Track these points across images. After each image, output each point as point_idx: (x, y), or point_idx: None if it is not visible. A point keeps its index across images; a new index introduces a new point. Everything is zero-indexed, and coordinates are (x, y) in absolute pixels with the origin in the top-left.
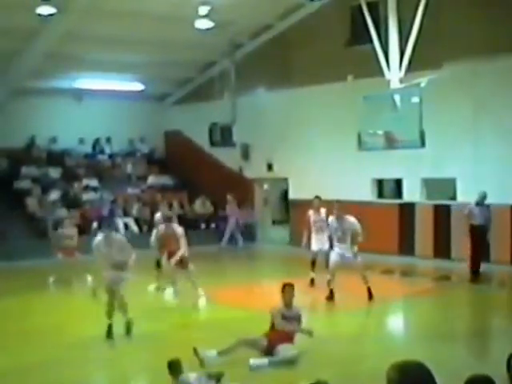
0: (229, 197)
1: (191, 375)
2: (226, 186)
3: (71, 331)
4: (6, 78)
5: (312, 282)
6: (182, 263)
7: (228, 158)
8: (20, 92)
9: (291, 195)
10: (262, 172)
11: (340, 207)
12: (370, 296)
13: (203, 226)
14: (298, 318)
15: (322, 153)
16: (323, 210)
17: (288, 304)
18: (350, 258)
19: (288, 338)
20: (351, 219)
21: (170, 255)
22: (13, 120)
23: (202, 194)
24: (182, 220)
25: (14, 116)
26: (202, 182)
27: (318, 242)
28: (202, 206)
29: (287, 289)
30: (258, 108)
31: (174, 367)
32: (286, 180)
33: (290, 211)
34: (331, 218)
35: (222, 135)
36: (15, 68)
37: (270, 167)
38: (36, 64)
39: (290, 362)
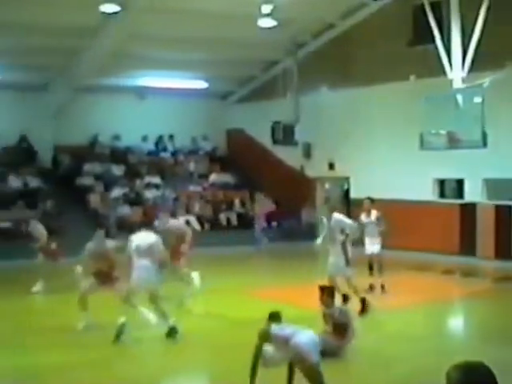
0: (258, 195)
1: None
2: (288, 184)
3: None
4: (70, 76)
5: (371, 287)
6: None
7: (290, 156)
8: (83, 90)
9: (352, 194)
10: (324, 171)
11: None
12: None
13: (264, 224)
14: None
15: (384, 152)
16: (374, 212)
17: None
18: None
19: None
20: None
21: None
22: (76, 117)
23: (263, 192)
24: (243, 218)
25: (78, 113)
26: (263, 181)
27: (369, 246)
28: (263, 204)
29: (326, 291)
30: (320, 107)
31: (274, 318)
32: (347, 179)
33: (351, 210)
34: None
35: (284, 134)
36: (79, 66)
37: (331, 166)
38: (99, 62)
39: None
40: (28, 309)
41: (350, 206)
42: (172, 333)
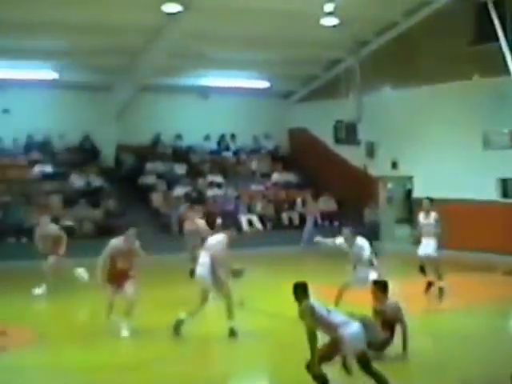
0: (307, 195)
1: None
2: (350, 183)
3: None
4: (133, 76)
5: (429, 285)
6: None
7: (352, 155)
8: (146, 89)
9: (415, 194)
10: (387, 170)
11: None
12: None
13: (327, 223)
14: None
15: (447, 151)
16: (433, 214)
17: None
18: None
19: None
20: None
21: None
22: (139, 117)
23: (325, 191)
24: (305, 217)
25: (141, 113)
26: (326, 180)
27: (423, 247)
28: (326, 203)
29: (378, 286)
30: (383, 106)
31: (300, 290)
32: (410, 178)
33: (414, 210)
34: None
35: (347, 133)
36: (142, 65)
37: (394, 165)
38: (162, 62)
39: None
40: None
41: (412, 205)
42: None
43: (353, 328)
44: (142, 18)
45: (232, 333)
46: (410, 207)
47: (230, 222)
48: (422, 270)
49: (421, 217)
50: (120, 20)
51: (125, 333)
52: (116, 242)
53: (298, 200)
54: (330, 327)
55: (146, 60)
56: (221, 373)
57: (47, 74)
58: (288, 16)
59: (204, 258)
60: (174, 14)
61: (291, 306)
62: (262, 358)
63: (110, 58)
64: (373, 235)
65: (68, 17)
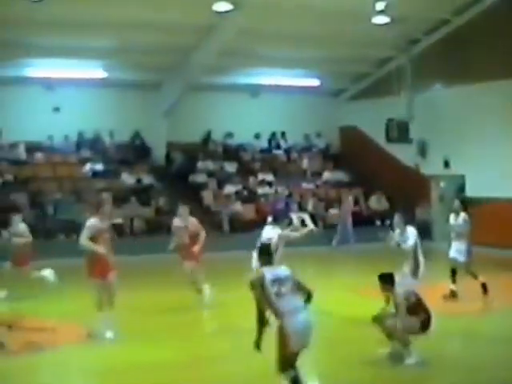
0: (343, 196)
1: None
2: (402, 182)
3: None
4: (183, 74)
5: (452, 294)
6: None
7: (404, 154)
8: (196, 87)
9: (468, 192)
10: (439, 169)
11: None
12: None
13: (378, 222)
14: None
15: (500, 150)
16: (463, 214)
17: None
18: None
19: None
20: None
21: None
22: (189, 115)
23: (377, 190)
24: (357, 216)
25: (191, 111)
26: (377, 179)
27: (453, 250)
28: (377, 202)
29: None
30: (435, 104)
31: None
32: (462, 177)
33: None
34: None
35: (399, 131)
36: (192, 64)
37: (446, 164)
38: (212, 60)
39: None
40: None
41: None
42: None
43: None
44: (192, 16)
45: None
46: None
47: (282, 220)
48: (454, 273)
49: (451, 218)
50: (170, 19)
51: (109, 334)
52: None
53: (350, 199)
54: None
55: (197, 58)
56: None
57: (97, 72)
58: (339, 14)
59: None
60: (224, 12)
61: (339, 305)
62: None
63: (160, 56)
64: (425, 235)
65: (118, 15)
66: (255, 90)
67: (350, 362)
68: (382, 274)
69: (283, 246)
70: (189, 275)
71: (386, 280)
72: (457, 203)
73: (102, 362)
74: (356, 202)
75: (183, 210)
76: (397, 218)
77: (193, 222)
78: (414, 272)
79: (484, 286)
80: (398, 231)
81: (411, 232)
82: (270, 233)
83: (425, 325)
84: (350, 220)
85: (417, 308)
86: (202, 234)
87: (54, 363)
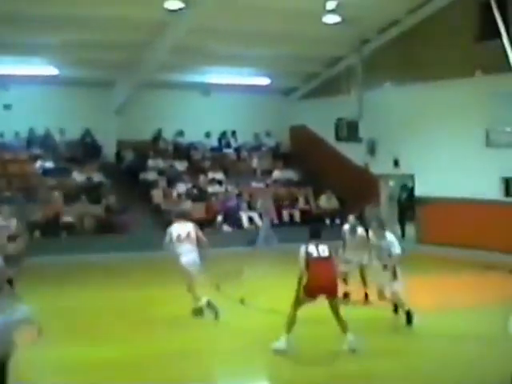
0: (265, 194)
1: None
2: (352, 181)
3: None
4: (135, 71)
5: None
6: None
7: (354, 153)
8: (148, 85)
9: (417, 192)
10: (388, 168)
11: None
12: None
13: (328, 221)
14: None
15: (449, 149)
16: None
17: None
18: None
19: None
20: None
21: None
22: (141, 113)
23: (327, 189)
24: (306, 215)
25: (142, 109)
26: (327, 177)
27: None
28: (327, 201)
29: None
30: (384, 103)
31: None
32: (412, 176)
33: (416, 209)
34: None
35: (349, 130)
36: (143, 61)
37: (396, 163)
38: (164, 57)
39: None
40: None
41: (414, 204)
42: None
43: None
44: (144, 13)
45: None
46: (412, 206)
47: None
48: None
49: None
50: (122, 15)
51: None
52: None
53: (301, 198)
54: None
55: (148, 56)
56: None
57: (48, 69)
58: (290, 13)
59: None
60: (176, 10)
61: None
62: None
63: (111, 53)
64: None
65: (70, 11)
66: (206, 89)
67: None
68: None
69: None
70: None
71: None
72: (351, 218)
73: (53, 360)
74: (306, 201)
75: (4, 209)
76: (373, 225)
77: (14, 223)
78: (395, 275)
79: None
80: (374, 239)
81: (392, 237)
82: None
83: None
84: (264, 221)
85: None
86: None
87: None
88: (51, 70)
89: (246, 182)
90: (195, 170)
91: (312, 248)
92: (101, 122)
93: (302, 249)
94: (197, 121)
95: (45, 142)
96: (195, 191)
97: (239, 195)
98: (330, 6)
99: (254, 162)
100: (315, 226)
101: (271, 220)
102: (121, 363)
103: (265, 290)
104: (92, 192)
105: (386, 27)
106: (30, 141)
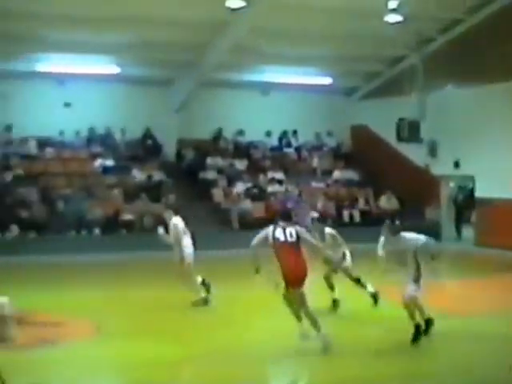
0: (290, 191)
1: None
2: (412, 182)
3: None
4: (195, 70)
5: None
6: None
7: (415, 154)
8: (208, 84)
9: (478, 193)
10: (449, 169)
11: None
12: None
13: (388, 222)
14: None
15: (510, 151)
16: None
17: None
18: None
19: None
20: None
21: None
22: (201, 112)
23: (387, 189)
24: (366, 216)
25: (202, 108)
26: (387, 178)
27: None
28: (387, 201)
29: None
30: (446, 104)
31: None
32: (472, 178)
33: (476, 210)
34: None
35: (410, 131)
36: (203, 60)
37: (456, 164)
38: (224, 57)
39: None
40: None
41: (474, 205)
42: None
43: None
44: (205, 13)
45: None
46: (469, 207)
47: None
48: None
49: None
50: (184, 15)
51: None
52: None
53: (361, 198)
54: None
55: (209, 55)
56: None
57: (110, 68)
58: (352, 12)
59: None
60: (237, 9)
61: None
62: None
63: (172, 52)
64: (434, 235)
65: (132, 11)
66: (266, 88)
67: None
68: None
69: None
70: None
71: None
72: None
73: (110, 357)
74: (366, 202)
75: None
76: (385, 229)
77: None
78: (417, 279)
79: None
80: (382, 241)
81: (409, 237)
82: None
83: None
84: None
85: None
86: None
87: (62, 358)
88: (113, 69)
89: (305, 182)
90: (255, 169)
91: (279, 232)
92: (161, 120)
93: (267, 231)
94: (257, 120)
95: (105, 140)
96: (255, 190)
97: (299, 195)
98: (392, 4)
99: (315, 162)
100: (286, 208)
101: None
102: (176, 361)
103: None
104: (152, 190)
105: (448, 26)
106: (91, 139)
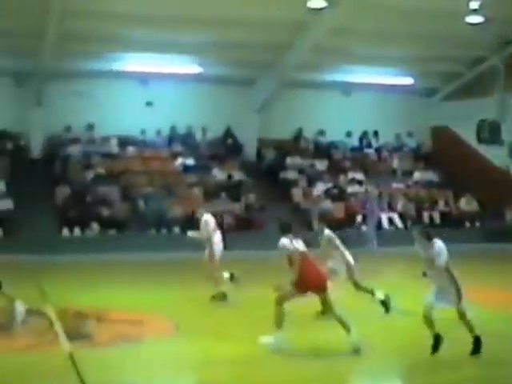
0: (370, 192)
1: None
2: (492, 184)
3: None
4: (276, 71)
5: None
6: None
7: (495, 155)
8: (289, 84)
9: None
10: None
11: None
12: None
13: (468, 224)
14: None
15: None
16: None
17: None
18: None
19: None
20: None
21: None
22: (281, 111)
23: (467, 191)
24: (446, 217)
25: (283, 108)
26: (467, 179)
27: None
28: (467, 203)
29: None
30: None
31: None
32: None
33: None
34: None
35: (491, 132)
36: (284, 60)
37: None
38: (305, 57)
39: None
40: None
41: None
42: None
43: None
44: (287, 13)
45: None
46: None
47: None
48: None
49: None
50: (266, 15)
51: None
52: None
53: (441, 200)
54: None
55: (290, 55)
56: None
57: (192, 67)
58: (433, 13)
59: None
60: (318, 9)
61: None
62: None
63: (254, 52)
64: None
65: (214, 11)
66: (347, 88)
67: None
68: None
69: None
70: None
71: None
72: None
73: (189, 355)
74: (446, 203)
75: None
76: (415, 233)
77: None
78: (458, 294)
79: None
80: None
81: (440, 247)
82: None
83: None
84: (370, 220)
85: None
86: None
87: (140, 356)
88: (195, 68)
89: (386, 183)
90: (335, 169)
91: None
92: (242, 120)
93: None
94: (338, 120)
95: (186, 139)
96: (335, 191)
97: (379, 196)
98: (474, 5)
99: (395, 163)
100: (285, 221)
101: (377, 221)
102: (254, 359)
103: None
104: (232, 190)
105: None
106: (172, 138)
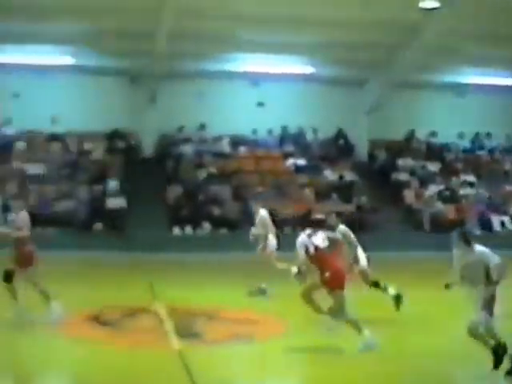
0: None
1: None
2: None
3: None
4: (389, 71)
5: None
6: None
7: None
8: (402, 85)
9: None
10: None
11: None
12: None
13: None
14: None
15: None
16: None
17: None
18: None
19: None
20: None
21: None
22: (392, 112)
23: None
24: None
25: (394, 108)
26: None
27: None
28: None
29: None
30: None
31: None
32: None
33: None
34: None
35: None
36: (399, 61)
37: None
38: (418, 57)
39: None
40: None
41: None
42: None
43: None
44: (399, 14)
45: None
46: None
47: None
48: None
49: None
50: (377, 16)
51: None
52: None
53: None
54: None
55: (402, 56)
56: None
57: (303, 68)
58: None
59: None
60: (431, 9)
61: None
62: None
63: (366, 53)
64: None
65: (326, 12)
66: (462, 89)
67: None
68: None
69: None
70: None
71: None
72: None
73: (300, 356)
74: None
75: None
76: (456, 238)
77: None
78: (488, 304)
79: None
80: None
81: (482, 250)
82: None
83: None
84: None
85: None
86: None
87: (251, 355)
88: (307, 69)
89: (498, 185)
90: (448, 171)
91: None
92: (353, 121)
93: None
94: (450, 121)
95: (297, 139)
96: (447, 193)
97: (489, 198)
98: None
99: (507, 165)
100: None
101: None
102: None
103: None
104: (343, 191)
105: None
106: (283, 138)
